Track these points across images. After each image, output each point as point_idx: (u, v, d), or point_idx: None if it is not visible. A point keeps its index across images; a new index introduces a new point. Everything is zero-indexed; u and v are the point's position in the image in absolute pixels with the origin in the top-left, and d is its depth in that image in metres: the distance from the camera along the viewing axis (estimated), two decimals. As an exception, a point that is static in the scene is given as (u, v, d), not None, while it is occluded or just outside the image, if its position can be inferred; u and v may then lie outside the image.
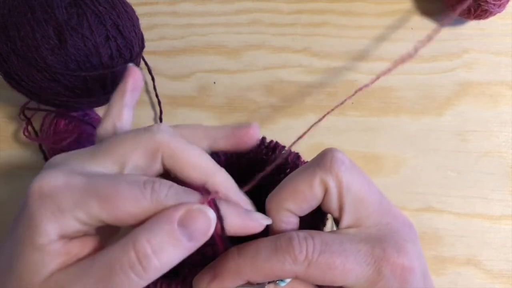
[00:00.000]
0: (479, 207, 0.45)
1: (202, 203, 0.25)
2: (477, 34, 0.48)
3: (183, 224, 0.23)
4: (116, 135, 0.27)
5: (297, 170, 0.29)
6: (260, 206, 0.33)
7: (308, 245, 0.26)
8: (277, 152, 0.34)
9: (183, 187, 0.25)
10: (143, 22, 0.42)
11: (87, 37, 0.36)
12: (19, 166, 0.45)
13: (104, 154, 0.25)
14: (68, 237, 0.23)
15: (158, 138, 0.26)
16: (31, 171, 0.44)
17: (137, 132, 0.26)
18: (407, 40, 0.48)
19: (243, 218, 0.26)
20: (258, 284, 0.27)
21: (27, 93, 0.39)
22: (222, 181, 0.27)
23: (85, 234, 0.24)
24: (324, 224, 0.32)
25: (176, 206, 0.23)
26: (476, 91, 0.47)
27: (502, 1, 0.44)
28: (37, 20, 0.35)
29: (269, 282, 0.27)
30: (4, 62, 0.37)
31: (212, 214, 0.24)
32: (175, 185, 0.24)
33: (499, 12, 0.45)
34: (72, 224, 0.23)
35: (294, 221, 0.29)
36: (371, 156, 0.46)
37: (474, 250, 0.44)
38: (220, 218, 0.25)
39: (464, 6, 0.42)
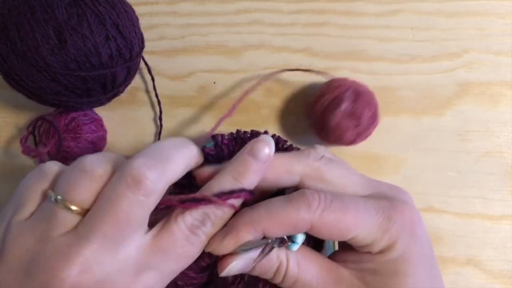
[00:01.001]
0: (480, 207, 0.45)
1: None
2: (477, 34, 0.48)
3: None
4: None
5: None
6: None
7: (320, 195, 0.27)
8: (279, 146, 0.34)
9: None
10: (143, 22, 0.42)
11: (87, 37, 0.36)
12: (19, 166, 0.45)
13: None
14: None
15: None
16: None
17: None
18: (407, 40, 0.48)
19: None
20: (274, 239, 0.27)
21: (27, 93, 0.39)
22: None
23: None
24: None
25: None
26: (476, 91, 0.47)
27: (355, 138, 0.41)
28: (37, 20, 0.35)
29: (279, 246, 0.27)
30: (4, 62, 0.37)
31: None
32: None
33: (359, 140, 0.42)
34: None
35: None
36: (371, 156, 0.46)
37: (475, 250, 0.44)
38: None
39: None
